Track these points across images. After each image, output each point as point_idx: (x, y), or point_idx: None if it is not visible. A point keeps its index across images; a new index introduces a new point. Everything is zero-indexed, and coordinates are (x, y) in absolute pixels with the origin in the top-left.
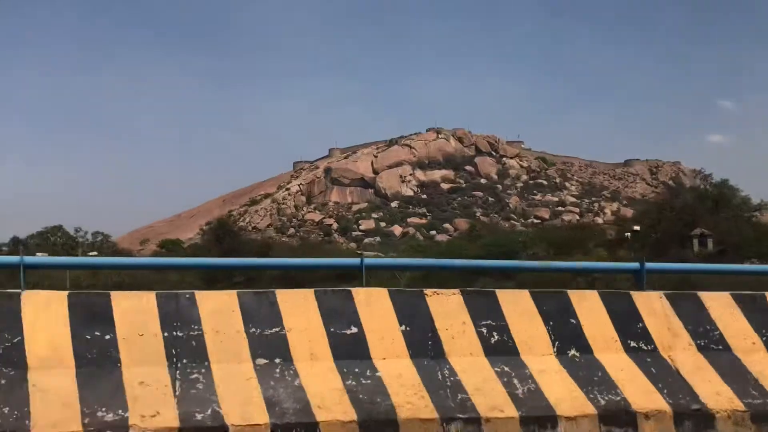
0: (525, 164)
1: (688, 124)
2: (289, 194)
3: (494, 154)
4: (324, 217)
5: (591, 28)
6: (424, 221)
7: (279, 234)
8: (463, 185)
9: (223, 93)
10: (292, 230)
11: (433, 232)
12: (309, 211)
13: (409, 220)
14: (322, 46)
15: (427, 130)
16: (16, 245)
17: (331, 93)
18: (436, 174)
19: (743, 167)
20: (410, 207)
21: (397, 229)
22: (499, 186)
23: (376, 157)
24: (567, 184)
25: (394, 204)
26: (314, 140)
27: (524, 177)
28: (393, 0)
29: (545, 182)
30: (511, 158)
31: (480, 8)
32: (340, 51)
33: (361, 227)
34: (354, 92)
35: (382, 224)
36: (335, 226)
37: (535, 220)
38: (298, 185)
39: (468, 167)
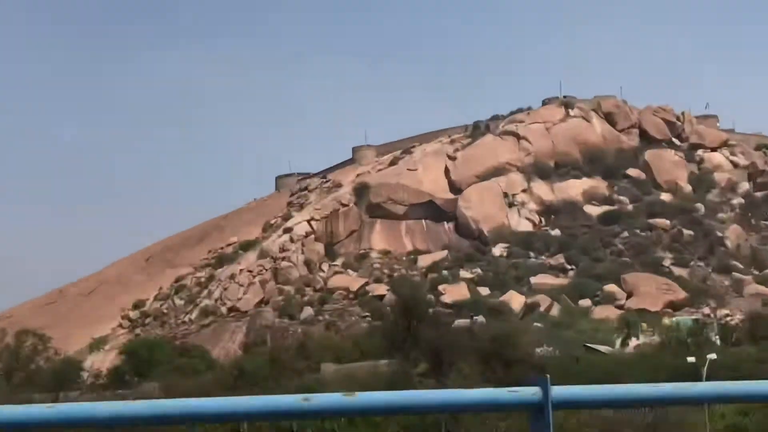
0: (741, 159)
1: None
2: (290, 239)
3: (677, 142)
4: (366, 283)
5: None
6: (563, 281)
7: (285, 322)
8: (628, 206)
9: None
10: (309, 312)
11: (586, 303)
12: (335, 272)
13: (535, 280)
14: None
15: (544, 102)
16: None
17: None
18: (572, 186)
19: None
20: (531, 254)
21: (516, 299)
22: (699, 206)
23: (452, 159)
24: None
25: (498, 250)
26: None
27: (744, 185)
28: None
29: None
30: (713, 150)
31: None
32: None
33: (443, 297)
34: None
35: (483, 290)
36: (389, 299)
37: None
38: (308, 221)
39: (631, 171)
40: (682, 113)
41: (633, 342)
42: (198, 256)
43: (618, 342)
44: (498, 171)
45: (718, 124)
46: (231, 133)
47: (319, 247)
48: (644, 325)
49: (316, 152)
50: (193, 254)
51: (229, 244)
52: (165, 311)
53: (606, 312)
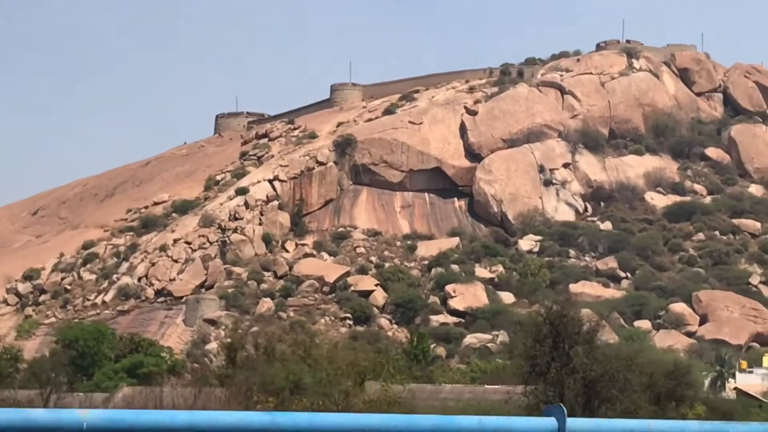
0: None
1: None
2: (244, 204)
3: None
4: (346, 273)
5: None
6: (614, 293)
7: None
8: (705, 198)
9: None
10: (267, 305)
11: (644, 325)
12: (304, 253)
13: (575, 288)
14: None
15: (599, 47)
16: None
17: None
18: (632, 165)
19: None
20: (571, 252)
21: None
22: None
23: (471, 113)
24: None
25: (527, 243)
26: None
27: None
28: None
29: None
30: None
31: None
32: None
33: (451, 302)
34: None
35: (506, 296)
36: (380, 296)
37: None
38: (270, 182)
39: (711, 150)
40: None
41: (731, 384)
42: (109, 215)
43: (706, 382)
44: (533, 135)
45: None
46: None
47: (284, 219)
48: (744, 363)
49: (276, 87)
50: (102, 212)
51: (158, 203)
52: (68, 287)
53: (671, 339)
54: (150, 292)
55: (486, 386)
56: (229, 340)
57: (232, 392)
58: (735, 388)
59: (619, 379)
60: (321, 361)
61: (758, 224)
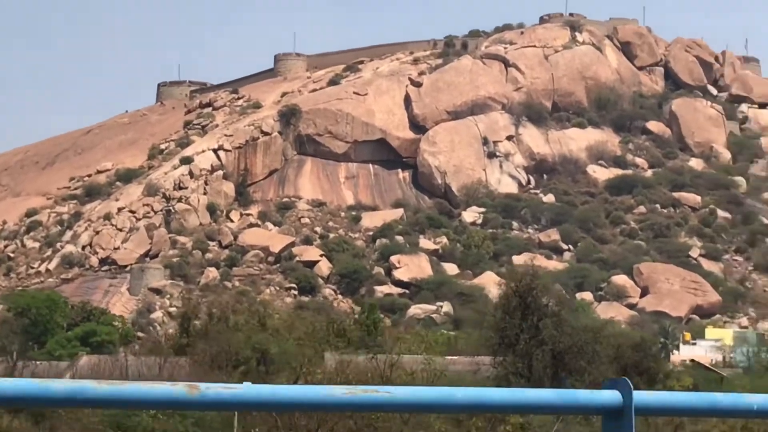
0: None
1: None
2: (189, 174)
3: (714, 92)
4: (291, 243)
5: None
6: (556, 264)
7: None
8: (646, 172)
9: None
10: (212, 275)
11: (587, 296)
12: (249, 223)
13: (518, 259)
14: None
15: (543, 20)
16: None
17: None
18: (574, 138)
19: None
20: (515, 224)
21: (494, 284)
22: (740, 180)
23: (416, 85)
24: None
25: (470, 215)
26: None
27: None
28: None
29: None
30: (761, 106)
31: None
32: None
33: (396, 273)
34: None
35: (450, 268)
36: (325, 267)
37: None
38: (214, 151)
39: (652, 124)
40: (723, 52)
41: (676, 356)
42: (51, 183)
43: None
44: (477, 107)
45: (761, 72)
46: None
47: (229, 188)
48: (687, 335)
49: (219, 56)
50: (44, 180)
51: (101, 171)
52: (12, 255)
53: (612, 311)
54: (94, 260)
55: (446, 357)
56: (180, 308)
57: (196, 361)
58: (692, 360)
59: (587, 351)
60: (282, 330)
61: (698, 198)
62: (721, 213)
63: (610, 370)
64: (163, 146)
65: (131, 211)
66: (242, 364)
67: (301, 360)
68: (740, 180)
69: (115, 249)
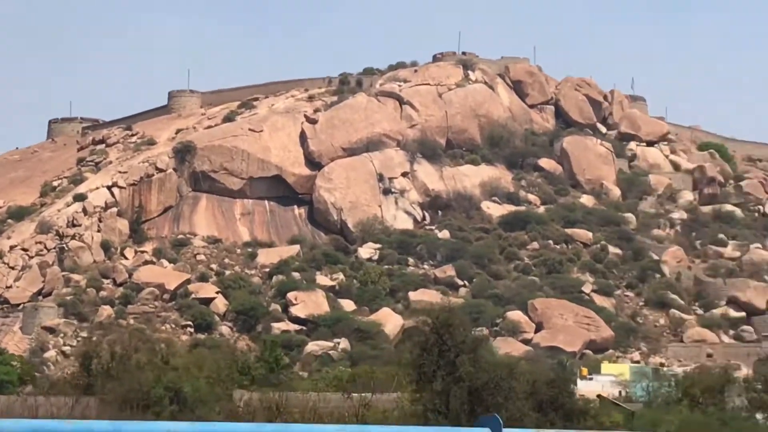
0: (684, 160)
1: None
2: (82, 211)
3: (603, 129)
4: (187, 280)
5: None
6: (456, 300)
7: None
8: (538, 208)
9: None
10: (107, 312)
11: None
12: (143, 261)
13: (414, 295)
14: None
15: (436, 58)
16: None
17: None
18: (468, 175)
19: None
20: (410, 260)
21: (391, 320)
22: (630, 217)
23: (311, 122)
24: None
25: (366, 251)
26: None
27: (687, 194)
28: None
29: (739, 211)
30: (649, 144)
31: None
32: None
33: (293, 309)
34: None
35: (347, 304)
36: (221, 304)
37: (735, 313)
38: (108, 188)
39: (544, 161)
40: (611, 92)
41: (574, 390)
42: None
43: None
44: (372, 144)
45: (645, 107)
46: None
47: (123, 225)
48: (584, 370)
49: (112, 92)
50: None
51: None
52: None
53: (508, 347)
54: None
55: (354, 394)
56: (80, 347)
57: (104, 401)
58: (598, 396)
59: (503, 387)
60: (192, 369)
61: (590, 234)
62: (612, 249)
63: (527, 405)
64: (55, 183)
65: (24, 249)
66: (154, 404)
67: (213, 398)
68: (630, 216)
69: (7, 287)
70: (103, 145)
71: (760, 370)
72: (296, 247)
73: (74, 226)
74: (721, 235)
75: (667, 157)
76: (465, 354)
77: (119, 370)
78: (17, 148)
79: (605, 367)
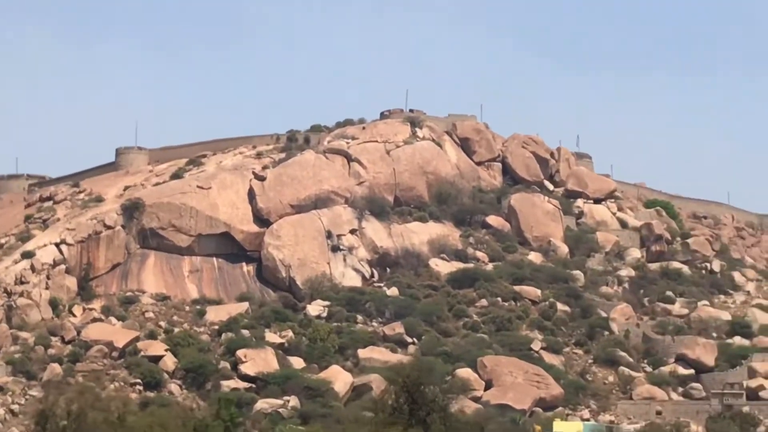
0: (632, 218)
1: None
2: (31, 270)
3: (551, 187)
4: (135, 338)
5: None
6: (401, 357)
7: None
8: (486, 265)
9: None
10: (55, 371)
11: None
12: (92, 318)
13: (363, 353)
14: None
15: (384, 115)
16: None
17: None
18: (416, 232)
19: None
20: (359, 318)
21: (341, 378)
22: (578, 274)
23: (260, 179)
24: (739, 276)
25: (315, 308)
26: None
27: (635, 252)
28: None
29: (686, 268)
30: (596, 201)
31: None
32: None
33: (242, 367)
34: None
35: (296, 361)
36: (170, 362)
37: (683, 370)
38: (57, 245)
39: (492, 219)
40: (558, 149)
41: None
42: None
43: None
44: (320, 201)
45: (591, 164)
46: None
47: (71, 283)
48: (538, 427)
49: (58, 148)
50: None
51: None
52: None
53: (458, 404)
54: None
55: None
56: (39, 406)
57: None
58: None
59: None
60: (154, 428)
61: (538, 291)
62: (560, 306)
63: None
64: (2, 240)
65: None
66: None
67: None
68: (578, 274)
69: None
70: (51, 202)
71: (712, 427)
72: (245, 305)
73: (22, 283)
74: (669, 293)
75: (614, 214)
76: (436, 413)
77: (74, 430)
78: None
79: (557, 425)
